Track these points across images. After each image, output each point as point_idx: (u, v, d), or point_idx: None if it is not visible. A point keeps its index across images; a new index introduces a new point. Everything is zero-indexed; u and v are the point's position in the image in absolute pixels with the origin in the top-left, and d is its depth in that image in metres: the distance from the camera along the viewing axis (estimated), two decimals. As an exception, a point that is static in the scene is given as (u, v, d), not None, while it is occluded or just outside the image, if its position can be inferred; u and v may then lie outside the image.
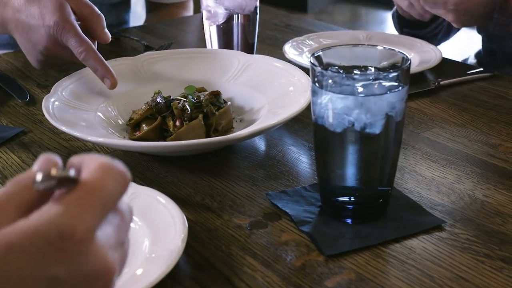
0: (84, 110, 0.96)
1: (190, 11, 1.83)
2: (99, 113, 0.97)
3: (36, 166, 0.44)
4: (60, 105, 0.94)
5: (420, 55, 1.26)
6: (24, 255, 0.39)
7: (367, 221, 0.76)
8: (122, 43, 1.44)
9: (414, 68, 1.17)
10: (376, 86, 0.70)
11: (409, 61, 0.71)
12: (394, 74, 0.70)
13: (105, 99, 1.01)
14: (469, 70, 1.22)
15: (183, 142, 0.84)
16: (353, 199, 0.76)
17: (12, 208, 0.42)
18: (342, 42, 1.34)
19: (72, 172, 0.43)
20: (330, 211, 0.78)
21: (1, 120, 1.06)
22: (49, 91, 1.12)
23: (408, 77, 0.71)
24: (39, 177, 0.42)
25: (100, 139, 0.85)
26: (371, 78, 0.70)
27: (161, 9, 1.80)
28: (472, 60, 1.52)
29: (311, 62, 0.72)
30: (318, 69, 0.71)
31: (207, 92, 0.97)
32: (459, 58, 1.63)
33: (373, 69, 0.75)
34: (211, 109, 0.93)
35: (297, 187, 0.84)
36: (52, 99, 0.95)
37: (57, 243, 0.40)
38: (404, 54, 0.73)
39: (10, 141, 0.98)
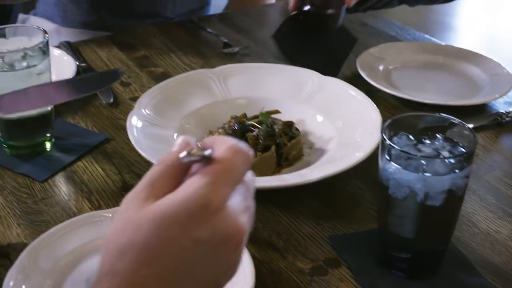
0: (165, 128, 1.03)
1: None
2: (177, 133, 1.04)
3: (176, 147, 0.55)
4: (144, 124, 1.01)
5: (491, 78, 1.27)
6: (172, 222, 0.50)
7: (421, 276, 0.82)
8: (201, 34, 1.49)
9: (483, 98, 1.20)
10: (440, 165, 0.74)
11: (475, 143, 0.75)
12: (460, 157, 0.74)
13: (184, 115, 1.07)
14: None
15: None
16: (409, 255, 0.82)
17: (162, 183, 0.53)
18: (415, 55, 1.37)
19: (208, 152, 0.53)
20: (387, 262, 0.83)
21: (86, 123, 1.13)
22: (131, 90, 1.19)
23: (472, 157, 0.76)
24: (183, 154, 0.53)
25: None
26: (436, 159, 0.75)
27: None
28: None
29: (381, 134, 0.77)
30: (387, 142, 0.76)
31: (280, 122, 1.02)
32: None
33: (441, 138, 0.79)
34: (284, 141, 0.99)
35: (358, 231, 0.89)
36: (135, 117, 1.02)
37: (197, 212, 0.50)
38: (472, 133, 0.77)
39: (94, 149, 1.06)
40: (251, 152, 0.55)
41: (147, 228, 0.50)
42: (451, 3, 1.57)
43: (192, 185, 0.51)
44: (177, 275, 0.51)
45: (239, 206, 0.53)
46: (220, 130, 1.02)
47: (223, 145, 0.54)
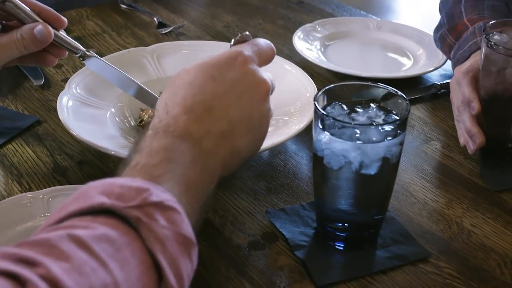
0: (98, 108, 1.00)
1: None
2: (112, 109, 1.01)
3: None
4: (74, 104, 0.98)
5: (427, 51, 1.28)
6: (212, 66, 0.68)
7: (359, 247, 0.81)
8: (135, 15, 1.47)
9: (419, 71, 1.20)
10: (374, 133, 0.73)
11: (408, 110, 0.75)
12: (393, 124, 0.74)
13: (116, 94, 1.04)
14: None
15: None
16: (346, 225, 0.81)
17: None
18: (351, 30, 1.37)
19: (247, 32, 0.75)
20: (324, 234, 0.83)
21: (16, 106, 1.10)
22: (63, 72, 1.16)
23: (406, 124, 0.75)
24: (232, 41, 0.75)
25: (111, 149, 0.89)
26: (369, 127, 0.74)
27: None
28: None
29: (314, 103, 0.76)
30: (320, 112, 0.75)
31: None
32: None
33: (374, 107, 0.78)
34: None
35: (295, 204, 0.88)
36: (66, 97, 0.99)
37: (232, 59, 0.68)
38: (405, 100, 0.76)
39: (25, 132, 1.02)
40: (274, 48, 0.75)
41: (193, 71, 0.68)
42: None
43: (232, 48, 0.71)
44: (219, 104, 0.66)
45: (264, 73, 0.70)
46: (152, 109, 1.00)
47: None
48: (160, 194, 0.55)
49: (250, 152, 0.71)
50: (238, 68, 0.68)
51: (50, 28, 0.88)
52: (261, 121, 0.70)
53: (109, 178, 0.56)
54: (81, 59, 0.93)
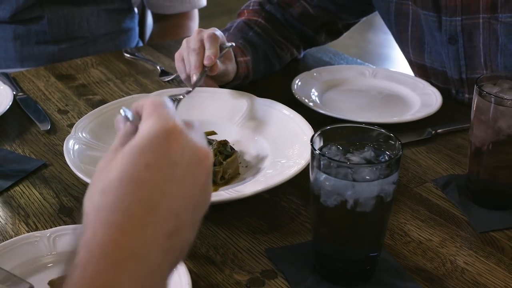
0: (102, 151, 1.04)
1: (196, 21, 1.89)
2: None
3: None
4: (80, 147, 1.02)
5: (421, 97, 1.32)
6: (147, 149, 0.54)
7: (355, 284, 0.84)
8: (138, 64, 1.51)
9: (414, 116, 1.24)
10: (368, 172, 0.77)
11: (400, 150, 0.78)
12: (386, 163, 0.77)
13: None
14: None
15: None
16: (343, 263, 0.84)
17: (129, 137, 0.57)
18: (347, 77, 1.41)
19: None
20: (322, 271, 0.85)
21: (24, 150, 1.13)
22: (69, 117, 1.20)
23: (399, 163, 0.79)
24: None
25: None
26: (364, 166, 0.77)
27: (166, 20, 1.86)
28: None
29: (311, 144, 0.79)
30: (316, 152, 0.78)
31: (215, 142, 1.04)
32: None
33: (368, 148, 0.81)
34: (219, 159, 1.01)
35: (294, 243, 0.91)
36: (72, 141, 1.02)
37: (166, 136, 0.54)
38: (397, 140, 0.80)
39: (31, 174, 1.06)
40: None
41: (120, 163, 0.53)
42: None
43: (147, 122, 0.56)
44: (161, 198, 0.53)
45: (198, 138, 0.58)
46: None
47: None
48: None
49: (193, 237, 0.58)
50: (175, 145, 0.55)
51: None
52: (204, 196, 0.58)
53: None
54: None
